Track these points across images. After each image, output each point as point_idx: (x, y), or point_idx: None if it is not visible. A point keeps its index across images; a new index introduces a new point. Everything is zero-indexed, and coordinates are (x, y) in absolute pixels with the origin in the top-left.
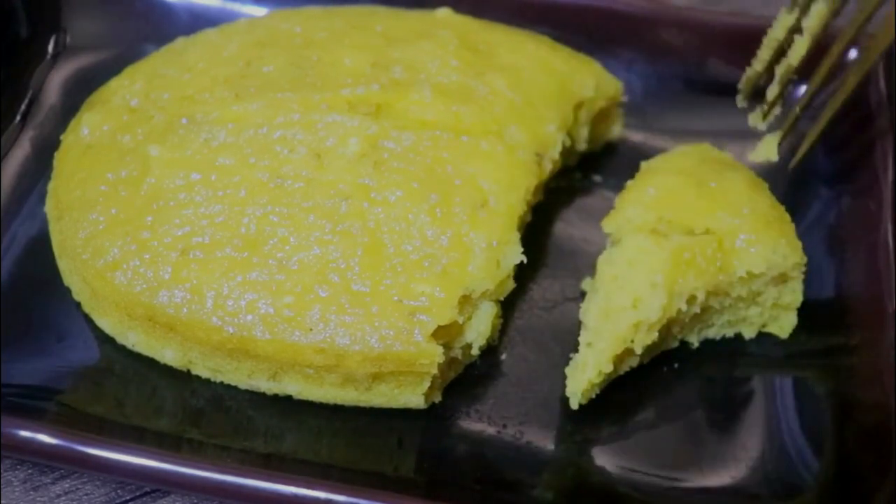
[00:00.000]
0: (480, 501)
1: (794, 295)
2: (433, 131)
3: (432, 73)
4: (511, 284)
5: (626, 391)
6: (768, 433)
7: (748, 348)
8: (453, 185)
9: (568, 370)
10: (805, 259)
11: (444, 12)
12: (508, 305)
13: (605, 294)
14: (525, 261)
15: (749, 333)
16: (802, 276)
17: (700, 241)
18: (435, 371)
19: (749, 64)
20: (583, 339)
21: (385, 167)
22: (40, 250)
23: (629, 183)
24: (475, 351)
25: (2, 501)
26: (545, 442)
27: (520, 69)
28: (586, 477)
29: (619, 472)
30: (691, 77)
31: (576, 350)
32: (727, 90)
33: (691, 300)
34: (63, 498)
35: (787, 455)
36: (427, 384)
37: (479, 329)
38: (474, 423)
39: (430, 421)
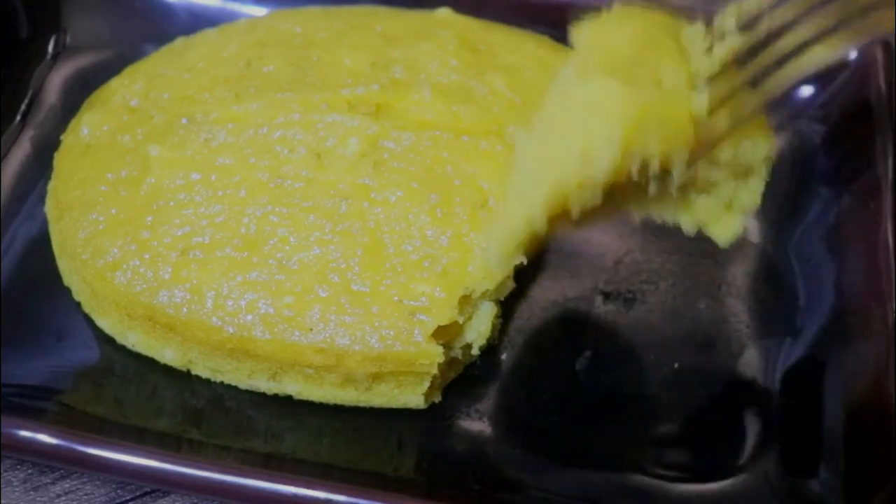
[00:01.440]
0: (480, 501)
1: (752, 195)
2: (433, 131)
3: (432, 73)
4: (511, 284)
5: (626, 391)
6: (768, 433)
7: (748, 348)
8: (453, 185)
9: (492, 223)
10: (773, 156)
11: (444, 12)
12: (508, 305)
13: (549, 134)
14: (525, 261)
15: (689, 226)
16: (766, 178)
17: (673, 102)
18: (435, 371)
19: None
20: (514, 178)
21: (385, 167)
22: (40, 250)
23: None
24: (475, 351)
25: (2, 501)
26: (545, 442)
27: (520, 69)
28: (586, 477)
29: (618, 472)
30: None
31: (574, 349)
32: None
33: (643, 168)
34: (63, 498)
35: (787, 455)
36: (427, 384)
37: (479, 329)
38: (474, 423)
39: (430, 421)
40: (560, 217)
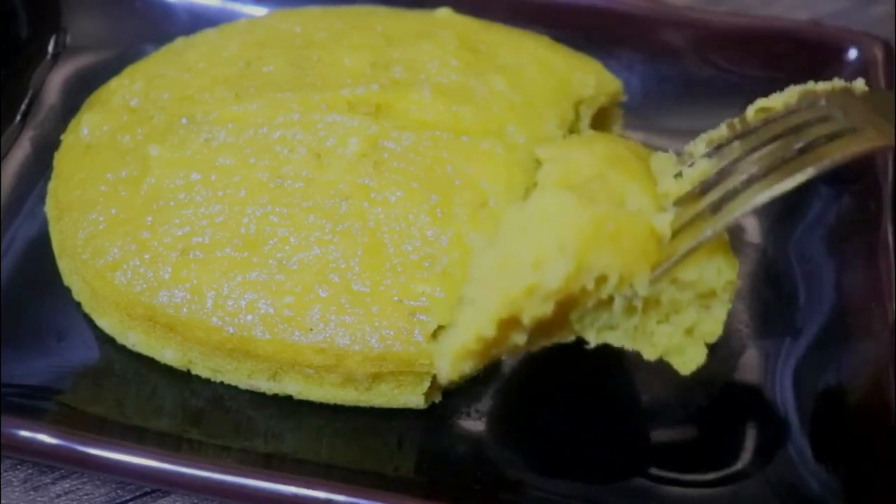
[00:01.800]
0: (480, 501)
1: (714, 325)
2: (433, 131)
3: (432, 73)
4: None
5: (626, 391)
6: (768, 433)
7: (748, 348)
8: (453, 185)
9: (443, 334)
10: (737, 282)
11: (444, 12)
12: None
13: (504, 246)
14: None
15: (650, 354)
16: (729, 306)
17: (633, 218)
18: (435, 371)
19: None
20: (466, 292)
21: (385, 167)
22: (40, 250)
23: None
24: None
25: (2, 501)
26: (545, 442)
27: (520, 69)
28: (587, 477)
29: (619, 471)
30: (691, 77)
31: (574, 349)
32: (727, 90)
33: (600, 281)
34: (63, 498)
35: (787, 455)
36: (427, 384)
37: None
38: (474, 423)
39: (430, 421)
40: (512, 327)
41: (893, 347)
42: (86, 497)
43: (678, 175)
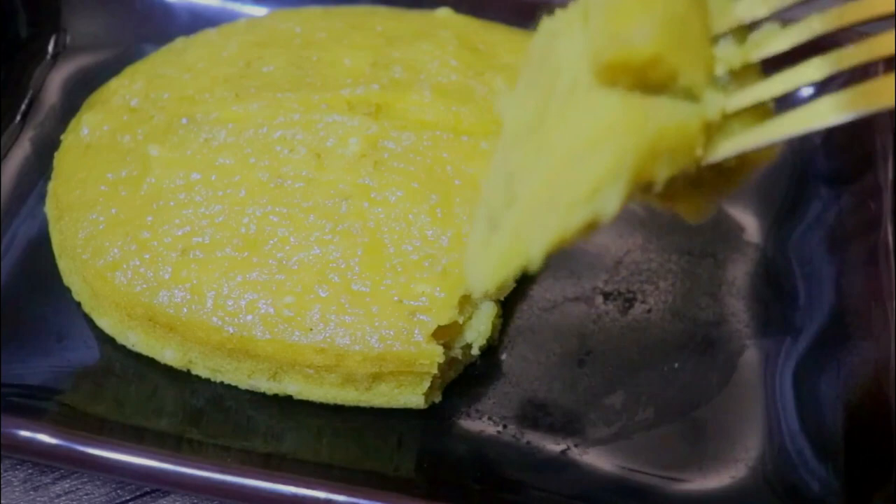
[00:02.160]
0: (480, 501)
1: (733, 185)
2: (433, 131)
3: (432, 73)
4: (511, 284)
5: (626, 391)
6: (768, 433)
7: (748, 348)
8: (453, 185)
9: (472, 246)
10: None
11: (444, 12)
12: (508, 305)
13: (553, 163)
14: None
15: (659, 205)
16: (751, 171)
17: (688, 123)
18: (435, 371)
19: None
20: (502, 210)
21: (385, 167)
22: (40, 250)
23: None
24: (475, 351)
25: (2, 501)
26: (545, 442)
27: (520, 69)
28: (586, 477)
29: (618, 472)
30: None
31: (574, 349)
32: None
33: (647, 188)
34: (63, 498)
35: (787, 455)
36: (427, 384)
37: (479, 329)
38: (474, 423)
39: (430, 421)
40: (557, 248)
41: (893, 347)
42: (86, 497)
43: (738, 33)
